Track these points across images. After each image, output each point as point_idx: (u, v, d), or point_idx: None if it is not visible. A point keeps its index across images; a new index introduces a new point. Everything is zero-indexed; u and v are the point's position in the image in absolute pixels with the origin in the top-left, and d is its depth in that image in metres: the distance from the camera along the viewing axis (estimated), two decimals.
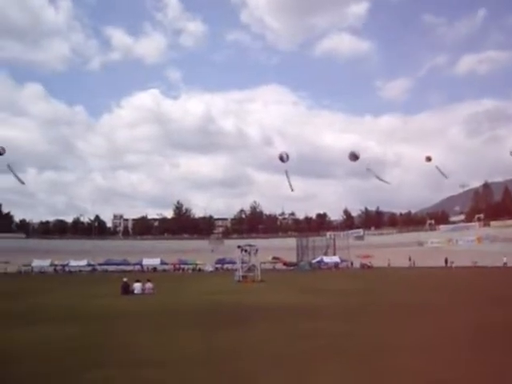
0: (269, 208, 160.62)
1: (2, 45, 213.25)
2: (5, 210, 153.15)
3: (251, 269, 44.66)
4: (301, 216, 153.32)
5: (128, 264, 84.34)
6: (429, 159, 46.16)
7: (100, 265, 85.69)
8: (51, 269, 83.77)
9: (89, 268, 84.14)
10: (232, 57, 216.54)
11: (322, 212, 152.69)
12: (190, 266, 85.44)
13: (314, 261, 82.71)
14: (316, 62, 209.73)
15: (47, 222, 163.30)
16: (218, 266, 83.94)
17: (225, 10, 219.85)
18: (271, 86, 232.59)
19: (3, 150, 35.28)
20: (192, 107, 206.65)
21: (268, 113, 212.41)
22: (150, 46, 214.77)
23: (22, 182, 42.86)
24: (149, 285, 30.12)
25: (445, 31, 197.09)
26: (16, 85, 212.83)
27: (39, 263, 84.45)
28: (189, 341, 12.16)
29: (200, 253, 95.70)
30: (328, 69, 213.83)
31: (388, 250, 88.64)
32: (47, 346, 11.83)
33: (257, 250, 45.92)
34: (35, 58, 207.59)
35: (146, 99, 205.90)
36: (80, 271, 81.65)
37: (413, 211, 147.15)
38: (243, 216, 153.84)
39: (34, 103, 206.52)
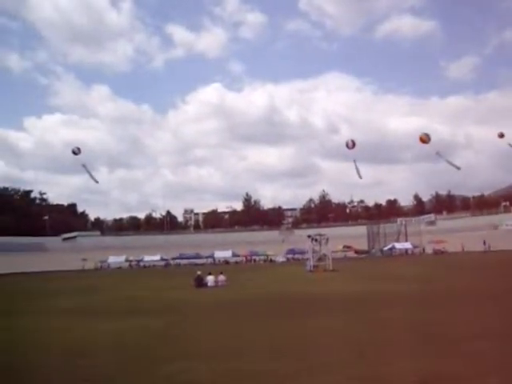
0: (337, 196, 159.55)
1: (69, 50, 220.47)
2: (80, 209, 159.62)
3: (322, 258, 44.51)
4: (370, 203, 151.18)
5: (200, 257, 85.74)
6: (501, 136, 44.57)
7: (173, 259, 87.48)
8: (126, 264, 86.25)
9: (162, 262, 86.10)
10: (293, 46, 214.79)
11: (391, 198, 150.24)
12: (261, 257, 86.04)
13: (385, 248, 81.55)
14: (378, 45, 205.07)
15: (121, 219, 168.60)
16: (289, 256, 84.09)
17: (283, 0, 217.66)
18: (334, 74, 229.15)
19: (79, 150, 36.61)
20: (256, 99, 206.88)
21: (332, 100, 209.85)
22: (211, 41, 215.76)
23: (96, 181, 44.24)
24: (221, 277, 30.74)
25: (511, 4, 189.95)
26: (84, 87, 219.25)
27: (115, 259, 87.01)
28: (265, 331, 12.29)
29: (270, 244, 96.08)
30: (390, 52, 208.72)
31: (461, 235, 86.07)
32: (133, 336, 12.50)
33: (327, 239, 45.73)
34: (101, 60, 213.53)
35: (210, 93, 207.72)
36: (154, 266, 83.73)
37: (486, 193, 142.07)
38: (312, 205, 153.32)
39: (102, 104, 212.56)
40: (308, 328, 12.51)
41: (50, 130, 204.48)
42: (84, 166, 38.00)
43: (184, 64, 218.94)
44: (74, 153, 36.41)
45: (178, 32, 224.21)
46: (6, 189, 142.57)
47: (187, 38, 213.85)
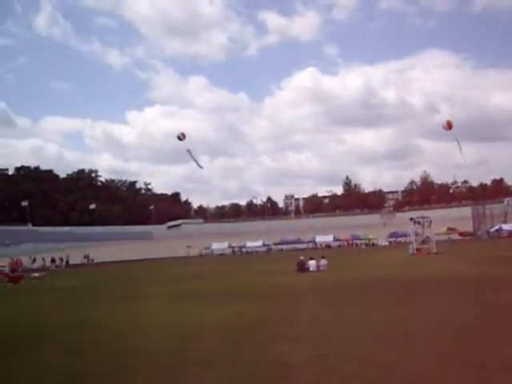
0: (440, 177, 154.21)
1: (165, 44, 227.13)
2: (183, 198, 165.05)
3: (425, 241, 43.51)
4: (475, 183, 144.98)
5: (301, 242, 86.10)
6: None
7: (275, 244, 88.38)
8: (229, 250, 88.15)
9: (264, 248, 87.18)
10: (387, 25, 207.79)
11: (497, 177, 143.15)
12: (363, 241, 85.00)
13: (491, 229, 77.90)
14: (476, 19, 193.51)
15: (223, 207, 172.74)
16: (391, 239, 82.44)
17: None
18: (431, 51, 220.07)
19: (183, 136, 37.57)
20: (351, 81, 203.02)
21: (430, 78, 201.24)
22: (304, 25, 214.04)
23: (201, 167, 45.20)
24: (323, 261, 30.75)
25: None
26: (181, 78, 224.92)
27: (218, 246, 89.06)
28: (368, 316, 12.20)
29: (372, 227, 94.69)
30: (489, 25, 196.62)
31: None
32: (238, 320, 12.88)
33: (430, 222, 44.58)
34: (196, 52, 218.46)
35: (305, 78, 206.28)
36: (256, 252, 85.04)
37: None
38: (414, 187, 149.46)
39: (199, 94, 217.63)
40: (413, 312, 12.28)
41: (150, 122, 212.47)
42: (189, 151, 39.01)
43: (278, 50, 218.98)
44: (179, 138, 37.42)
45: (271, 18, 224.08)
46: (112, 181, 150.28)
47: (280, 23, 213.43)
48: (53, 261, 61.42)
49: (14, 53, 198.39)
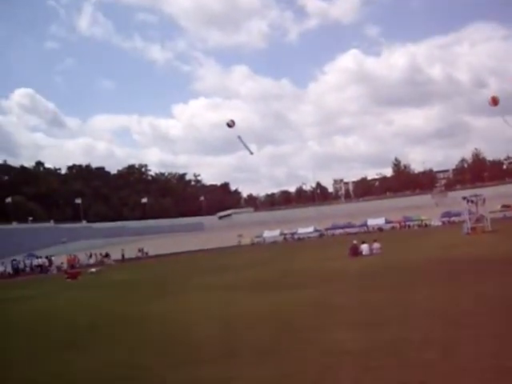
0: (492, 154, 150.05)
1: (207, 36, 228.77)
2: (233, 187, 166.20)
3: (480, 219, 42.50)
4: None
5: (353, 226, 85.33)
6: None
7: (326, 229, 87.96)
8: (281, 238, 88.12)
9: (316, 234, 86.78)
10: (429, 1, 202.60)
11: None
12: (416, 223, 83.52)
13: None
14: None
15: (272, 194, 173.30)
16: (444, 219, 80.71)
17: None
18: (477, 24, 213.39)
19: (233, 122, 37.68)
20: (396, 60, 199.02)
21: (477, 53, 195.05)
22: (344, 7, 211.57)
23: (251, 152, 45.16)
24: (376, 245, 30.48)
25: None
26: (224, 69, 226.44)
27: (270, 233, 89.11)
28: (427, 298, 12.04)
29: (424, 208, 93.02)
30: None
31: None
32: (293, 307, 12.94)
33: (484, 200, 43.43)
34: (237, 41, 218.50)
35: (348, 61, 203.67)
36: (308, 237, 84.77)
37: None
38: (465, 165, 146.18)
39: (243, 84, 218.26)
40: (473, 293, 12.05)
41: (196, 115, 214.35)
42: (239, 137, 39.15)
43: (319, 34, 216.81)
44: (229, 125, 37.52)
45: (310, 2, 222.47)
46: (162, 174, 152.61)
47: (320, 6, 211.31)
48: (106, 255, 62.98)
49: (60, 55, 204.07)
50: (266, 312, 12.64)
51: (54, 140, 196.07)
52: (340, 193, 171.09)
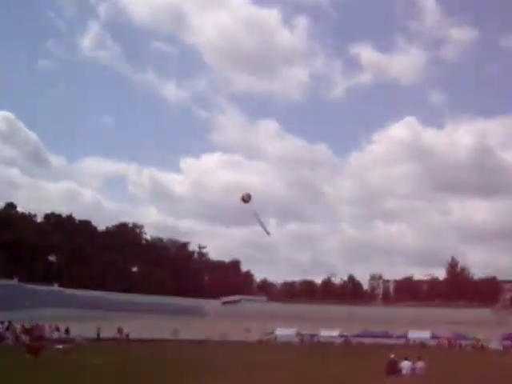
0: None
1: (233, 77, 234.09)
2: (244, 268, 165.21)
3: None
4: None
5: (390, 336, 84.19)
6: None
7: (355, 336, 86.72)
8: (297, 339, 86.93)
9: (341, 339, 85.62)
10: (509, 69, 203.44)
11: None
12: (470, 342, 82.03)
13: None
14: None
15: (292, 283, 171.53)
16: (507, 343, 79.27)
17: (499, 10, 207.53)
18: None
19: (249, 197, 37.59)
20: (461, 137, 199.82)
21: None
22: (405, 64, 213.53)
23: (268, 233, 45.27)
24: (420, 363, 29.75)
25: None
26: (249, 122, 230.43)
27: (283, 331, 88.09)
28: None
29: (482, 325, 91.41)
30: None
31: None
32: None
33: None
34: (269, 90, 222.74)
35: (402, 130, 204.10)
36: (331, 343, 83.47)
37: None
38: None
39: (270, 142, 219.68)
40: None
41: (208, 172, 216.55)
42: (255, 214, 39.04)
43: (371, 92, 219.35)
44: (244, 200, 37.39)
45: (364, 53, 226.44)
46: (160, 239, 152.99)
47: (375, 60, 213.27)
48: (66, 331, 61.96)
49: (53, 77, 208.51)
50: None
51: (31, 179, 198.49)
52: (377, 292, 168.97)
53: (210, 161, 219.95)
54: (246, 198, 37.98)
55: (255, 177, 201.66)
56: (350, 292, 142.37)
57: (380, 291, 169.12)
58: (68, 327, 63.20)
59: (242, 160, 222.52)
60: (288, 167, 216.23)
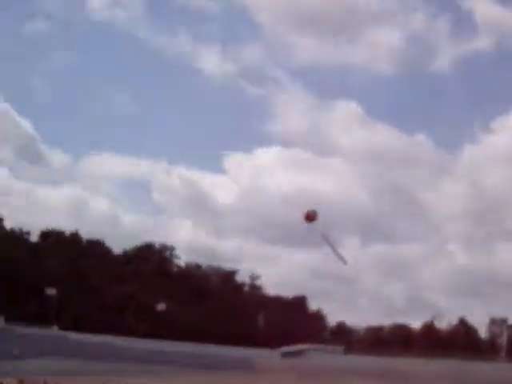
0: None
1: (297, 44, 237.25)
2: (313, 306, 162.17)
3: None
4: None
5: None
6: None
7: None
8: None
9: None
10: None
11: None
12: None
13: None
14: None
15: (379, 328, 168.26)
16: None
17: None
18: None
19: (315, 214, 33.83)
20: None
21: None
22: None
23: (345, 262, 42.01)
24: None
25: None
26: (319, 103, 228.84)
27: None
28: None
29: None
30: None
31: None
32: None
33: None
34: (347, 59, 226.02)
35: None
36: None
37: None
38: None
39: (349, 131, 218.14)
40: None
41: (262, 173, 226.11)
42: (325, 237, 35.35)
43: (489, 63, 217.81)
44: (308, 218, 33.69)
45: (481, 8, 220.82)
46: (198, 266, 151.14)
47: (495, 18, 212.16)
48: None
49: (51, 46, 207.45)
50: None
51: (24, 183, 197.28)
52: (500, 341, 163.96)
53: (266, 158, 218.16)
54: (312, 215, 34.15)
55: (327, 180, 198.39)
56: (461, 341, 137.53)
57: (504, 341, 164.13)
58: None
59: (310, 157, 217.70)
60: (373, 167, 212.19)
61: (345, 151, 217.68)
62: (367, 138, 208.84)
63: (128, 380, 70.23)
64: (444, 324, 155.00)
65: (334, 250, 39.02)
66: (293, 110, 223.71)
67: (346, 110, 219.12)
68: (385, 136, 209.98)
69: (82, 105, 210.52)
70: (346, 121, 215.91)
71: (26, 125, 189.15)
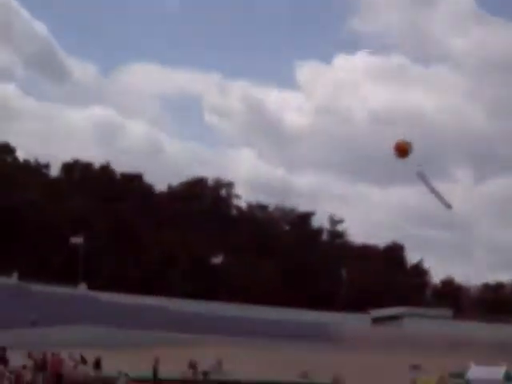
0: None
1: None
2: (412, 259, 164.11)
3: None
4: None
5: None
6: None
7: None
8: None
9: None
10: None
11: None
12: None
13: None
14: None
15: (498, 286, 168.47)
16: None
17: None
18: None
19: (407, 146, 37.40)
20: None
21: None
22: None
23: (449, 206, 45.44)
24: None
25: None
26: None
27: (482, 373, 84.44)
28: None
29: None
30: None
31: None
32: None
33: None
34: None
35: None
36: None
37: None
38: None
39: (456, 31, 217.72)
40: None
41: (347, 88, 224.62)
42: (422, 176, 38.68)
43: None
44: (400, 152, 37.21)
45: None
46: (263, 206, 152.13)
47: None
48: (83, 361, 62.05)
49: None
50: None
51: (38, 103, 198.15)
52: None
53: (349, 68, 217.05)
54: (403, 151, 37.23)
55: (430, 95, 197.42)
56: None
57: None
58: (100, 358, 62.70)
59: (407, 64, 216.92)
60: (491, 77, 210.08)
61: (453, 57, 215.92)
62: (483, 39, 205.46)
63: (182, 353, 72.32)
64: None
65: (434, 190, 42.37)
66: (385, 4, 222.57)
67: (455, 2, 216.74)
68: (507, 36, 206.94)
69: (109, 4, 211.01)
70: (454, 17, 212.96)
71: (42, 28, 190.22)
